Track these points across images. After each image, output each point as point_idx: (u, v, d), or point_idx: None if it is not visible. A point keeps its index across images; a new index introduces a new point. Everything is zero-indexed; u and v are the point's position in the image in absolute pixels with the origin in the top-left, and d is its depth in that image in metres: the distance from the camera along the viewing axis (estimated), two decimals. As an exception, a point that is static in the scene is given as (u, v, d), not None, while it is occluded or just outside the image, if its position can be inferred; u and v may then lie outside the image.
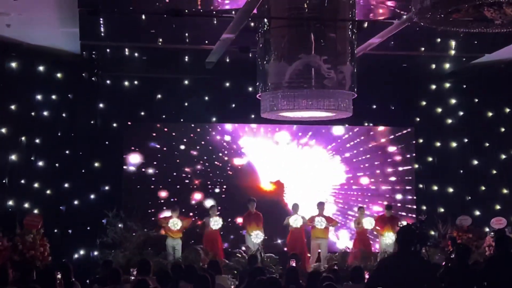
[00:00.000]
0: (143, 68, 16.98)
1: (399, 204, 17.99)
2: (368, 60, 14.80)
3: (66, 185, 16.53)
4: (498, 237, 9.71)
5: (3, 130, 15.39)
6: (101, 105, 17.21)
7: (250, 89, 16.64)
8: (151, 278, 9.58)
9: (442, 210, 17.90)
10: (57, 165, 16.41)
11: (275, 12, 12.36)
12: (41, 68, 16.20)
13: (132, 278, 11.63)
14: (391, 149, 18.22)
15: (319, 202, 16.60)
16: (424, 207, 18.05)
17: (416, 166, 18.38)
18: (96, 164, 16.90)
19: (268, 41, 12.41)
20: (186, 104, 17.65)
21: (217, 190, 17.41)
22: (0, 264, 11.74)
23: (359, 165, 18.06)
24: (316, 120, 14.52)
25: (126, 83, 17.44)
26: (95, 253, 16.26)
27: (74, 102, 16.84)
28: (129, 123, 17.35)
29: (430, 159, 18.48)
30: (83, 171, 16.75)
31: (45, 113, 16.32)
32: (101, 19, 13.42)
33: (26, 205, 15.52)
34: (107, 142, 17.10)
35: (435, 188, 18.34)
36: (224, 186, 17.50)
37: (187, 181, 17.46)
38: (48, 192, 16.18)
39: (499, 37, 11.51)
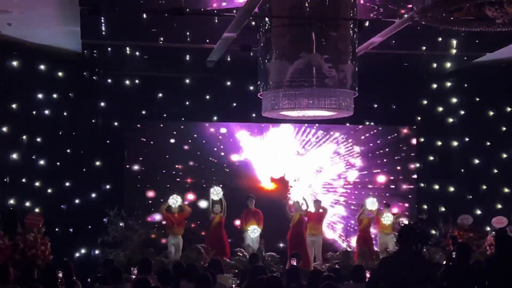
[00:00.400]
0: (144, 67, 16.97)
1: (400, 203, 17.98)
2: (369, 59, 14.80)
3: (67, 184, 16.54)
4: (498, 236, 9.70)
5: (4, 129, 15.40)
6: (102, 104, 17.21)
7: (251, 88, 16.63)
8: (152, 277, 9.58)
9: (443, 209, 17.89)
10: (58, 164, 16.41)
11: (276, 11, 12.36)
12: (42, 67, 16.20)
13: (133, 277, 11.64)
14: (392, 148, 18.19)
15: (316, 200, 16.60)
16: (425, 206, 18.04)
17: (417, 165, 18.37)
18: (97, 163, 16.90)
19: (269, 40, 12.42)
20: (187, 103, 17.66)
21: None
22: (1, 263, 11.77)
23: (359, 165, 18.05)
24: (317, 119, 14.53)
25: (127, 82, 17.44)
26: (96, 252, 16.26)
27: (75, 101, 16.85)
28: (130, 121, 17.34)
29: (431, 158, 18.47)
30: (84, 170, 16.76)
31: (46, 112, 16.33)
32: (102, 18, 13.42)
33: (27, 204, 15.52)
34: (108, 141, 17.09)
35: (436, 187, 18.33)
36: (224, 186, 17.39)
37: (188, 180, 17.44)
38: (49, 191, 16.18)
39: (500, 36, 11.47)
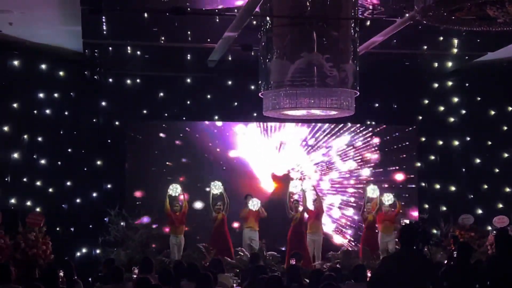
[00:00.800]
0: (145, 67, 16.97)
1: (402, 203, 17.95)
2: (370, 58, 14.79)
3: (68, 183, 16.55)
4: (499, 236, 9.69)
5: (6, 128, 15.41)
6: (103, 103, 17.21)
7: (253, 87, 16.63)
8: (153, 276, 9.59)
9: (444, 208, 17.89)
10: (59, 163, 16.42)
11: (278, 10, 12.36)
12: (43, 66, 16.21)
13: (134, 276, 11.65)
14: (393, 147, 18.18)
15: (314, 199, 16.56)
16: (426, 206, 18.02)
17: (418, 164, 18.36)
18: (98, 162, 16.91)
19: (270, 39, 12.42)
20: (188, 102, 17.66)
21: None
22: (3, 262, 11.77)
23: (360, 164, 18.04)
24: (318, 118, 14.52)
25: (128, 81, 17.44)
26: (97, 251, 16.27)
27: (76, 100, 16.85)
28: (131, 121, 17.35)
29: (433, 157, 18.47)
30: (85, 169, 16.78)
31: (47, 111, 16.34)
32: (104, 17, 13.42)
33: (28, 203, 15.53)
34: (109, 141, 17.10)
35: (438, 186, 18.32)
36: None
37: (188, 179, 17.42)
38: (50, 190, 16.19)
39: (501, 35, 11.47)
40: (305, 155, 17.87)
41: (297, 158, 17.80)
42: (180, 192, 15.85)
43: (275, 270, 14.50)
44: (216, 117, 17.80)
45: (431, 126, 18.41)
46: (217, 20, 13.49)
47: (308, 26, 12.15)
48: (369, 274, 10.15)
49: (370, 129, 18.19)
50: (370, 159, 18.05)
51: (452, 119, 18.49)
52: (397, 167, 18.18)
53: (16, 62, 15.61)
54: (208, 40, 14.72)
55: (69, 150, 16.63)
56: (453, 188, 18.22)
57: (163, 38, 15.06)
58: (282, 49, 12.22)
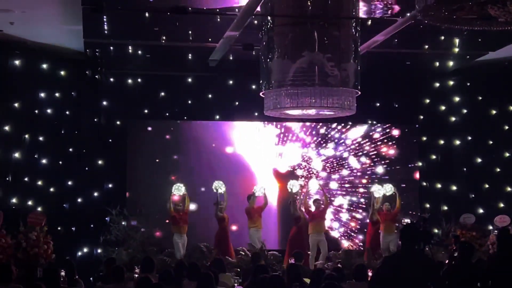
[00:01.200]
0: (147, 66, 16.98)
1: (402, 202, 17.93)
2: (371, 58, 14.79)
3: (69, 182, 16.54)
4: (501, 235, 9.69)
5: (7, 128, 15.40)
6: (104, 102, 17.21)
7: (254, 87, 16.62)
8: (154, 275, 9.60)
9: (445, 208, 17.89)
10: (60, 162, 16.41)
11: (279, 10, 12.36)
12: (44, 66, 16.20)
13: (136, 275, 11.66)
14: (394, 147, 18.17)
15: (315, 199, 16.52)
16: (427, 205, 18.02)
17: (420, 164, 18.36)
18: (100, 162, 16.91)
19: (271, 39, 12.42)
20: (189, 101, 17.66)
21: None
22: (4, 262, 11.79)
23: (361, 164, 18.04)
24: (319, 118, 14.51)
25: (130, 80, 17.44)
26: (99, 250, 16.27)
27: (78, 100, 16.86)
28: (133, 120, 17.35)
29: (434, 157, 18.46)
30: (86, 168, 16.78)
31: (49, 111, 16.34)
32: (105, 16, 13.43)
33: (30, 203, 15.53)
34: (110, 140, 17.11)
35: (439, 186, 18.32)
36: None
37: (187, 179, 17.41)
38: (51, 189, 16.18)
39: (503, 34, 11.47)
40: (305, 155, 17.86)
41: (296, 159, 17.79)
42: (184, 192, 15.85)
43: (276, 269, 14.49)
44: (217, 117, 17.80)
45: (432, 125, 18.41)
46: (218, 19, 13.49)
47: (310, 25, 12.16)
48: (370, 274, 10.16)
49: (371, 128, 18.18)
50: (371, 159, 18.04)
51: (453, 119, 18.48)
52: (398, 167, 18.17)
53: (17, 62, 15.60)
54: (209, 39, 14.72)
55: (70, 149, 16.62)
56: (454, 188, 18.21)
57: (164, 37, 15.06)
58: (283, 48, 12.22)
